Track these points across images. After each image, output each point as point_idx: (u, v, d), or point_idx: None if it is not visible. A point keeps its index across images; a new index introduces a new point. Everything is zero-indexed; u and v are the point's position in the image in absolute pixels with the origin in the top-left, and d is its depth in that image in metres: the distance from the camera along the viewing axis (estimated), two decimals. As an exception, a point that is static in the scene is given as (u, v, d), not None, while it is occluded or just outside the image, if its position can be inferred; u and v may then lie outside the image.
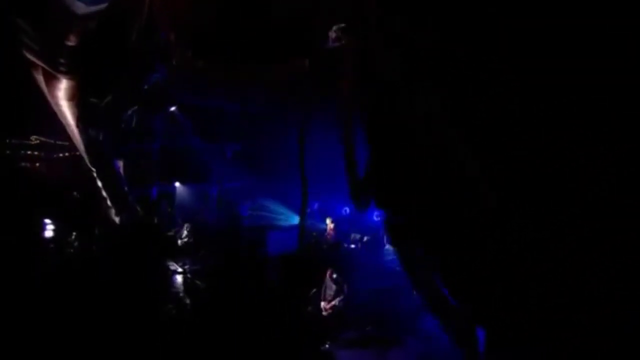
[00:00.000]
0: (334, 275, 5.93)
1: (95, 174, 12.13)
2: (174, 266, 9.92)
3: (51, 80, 7.08)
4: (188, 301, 7.70)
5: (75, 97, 7.55)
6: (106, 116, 8.05)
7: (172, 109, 11.50)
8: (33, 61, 6.03)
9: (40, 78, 6.85)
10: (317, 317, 6.07)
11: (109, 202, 12.73)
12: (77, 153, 13.37)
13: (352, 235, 10.95)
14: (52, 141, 13.12)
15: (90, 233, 12.27)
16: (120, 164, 12.67)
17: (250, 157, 14.15)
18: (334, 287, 5.87)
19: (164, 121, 12.03)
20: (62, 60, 6.19)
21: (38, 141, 13.29)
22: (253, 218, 12.95)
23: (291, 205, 13.84)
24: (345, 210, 13.41)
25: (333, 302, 5.79)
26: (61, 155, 13.64)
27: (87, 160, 11.23)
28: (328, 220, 10.01)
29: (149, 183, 12.57)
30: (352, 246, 10.39)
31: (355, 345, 5.87)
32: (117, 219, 12.85)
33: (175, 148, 12.69)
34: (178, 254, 10.27)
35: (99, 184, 12.02)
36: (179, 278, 9.20)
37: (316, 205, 13.53)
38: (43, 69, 6.48)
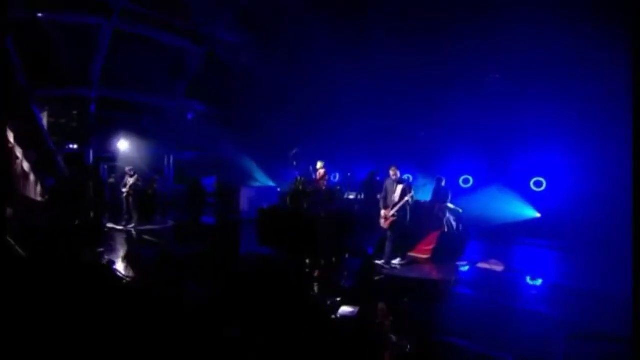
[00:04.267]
0: (399, 175, 5.38)
1: (6, 126, 9.18)
2: (111, 225, 7.24)
3: None
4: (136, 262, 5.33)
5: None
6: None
7: None
8: None
9: None
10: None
11: (25, 166, 9.74)
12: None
13: (347, 193, 8.91)
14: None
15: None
16: (44, 113, 9.81)
17: (221, 120, 11.84)
18: (398, 188, 5.25)
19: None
20: None
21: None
22: (220, 185, 10.44)
23: (266, 170, 11.63)
24: (335, 176, 11.51)
25: (402, 202, 5.19)
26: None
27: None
28: (319, 165, 7.73)
29: (84, 141, 9.77)
30: (351, 197, 8.32)
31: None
32: (38, 191, 9.84)
33: (119, 99, 10.07)
34: (119, 209, 7.62)
35: (11, 138, 9.07)
36: (120, 238, 6.59)
37: (298, 174, 11.41)
38: None
